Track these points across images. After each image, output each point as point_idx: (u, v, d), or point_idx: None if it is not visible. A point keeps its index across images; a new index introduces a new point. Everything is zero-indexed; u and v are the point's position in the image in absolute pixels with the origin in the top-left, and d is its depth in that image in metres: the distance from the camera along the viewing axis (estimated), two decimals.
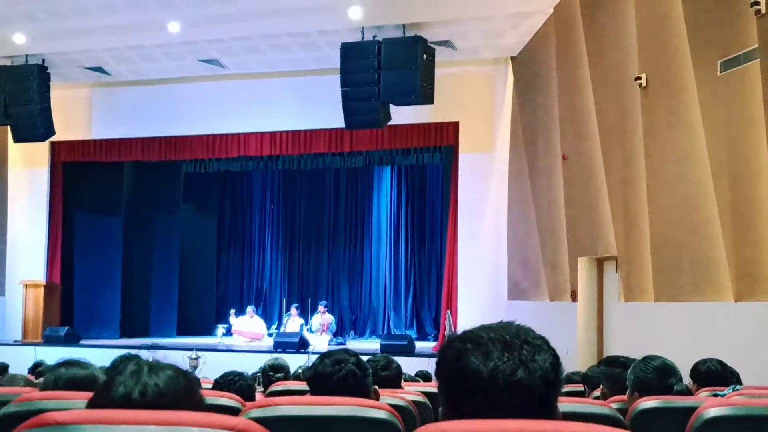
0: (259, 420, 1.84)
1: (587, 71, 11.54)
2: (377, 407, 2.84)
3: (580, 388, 6.40)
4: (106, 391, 1.87)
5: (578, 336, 11.99)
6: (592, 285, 12.12)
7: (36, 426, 1.66)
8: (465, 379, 1.72)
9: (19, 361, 11.64)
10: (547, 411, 1.71)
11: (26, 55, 15.86)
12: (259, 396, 5.11)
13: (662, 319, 9.88)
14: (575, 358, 11.47)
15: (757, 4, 8.22)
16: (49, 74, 16.09)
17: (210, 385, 5.12)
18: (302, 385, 5.05)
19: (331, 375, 3.24)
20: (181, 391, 1.88)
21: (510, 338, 1.74)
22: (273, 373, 6.02)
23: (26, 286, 17.67)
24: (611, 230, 10.93)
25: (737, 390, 4.45)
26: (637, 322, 10.52)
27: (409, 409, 3.64)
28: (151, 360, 1.96)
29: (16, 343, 17.05)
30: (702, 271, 9.13)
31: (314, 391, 3.30)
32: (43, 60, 15.99)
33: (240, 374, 5.06)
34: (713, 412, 3.18)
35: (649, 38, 10.04)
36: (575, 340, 11.92)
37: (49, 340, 16.52)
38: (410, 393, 4.57)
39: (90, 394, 1.97)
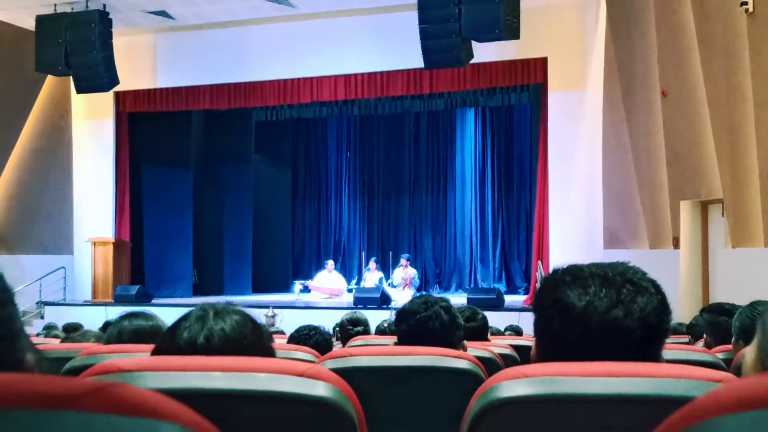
0: (334, 372, 1.86)
1: None
2: (459, 357, 2.84)
3: (685, 339, 6.35)
4: (171, 337, 1.89)
5: (681, 285, 11.83)
6: (695, 230, 11.93)
7: (99, 374, 1.70)
8: (558, 313, 1.72)
9: (91, 322, 11.89)
10: (646, 358, 1.69)
11: (86, 1, 15.99)
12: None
13: None
14: (678, 308, 11.31)
15: None
16: (110, 20, 16.22)
17: (285, 341, 5.19)
18: (383, 340, 5.09)
19: (417, 312, 3.32)
20: (248, 337, 1.89)
21: (612, 275, 1.73)
22: (351, 326, 6.07)
23: (95, 243, 17.99)
24: (716, 171, 10.70)
25: None
26: (746, 270, 10.32)
27: (494, 360, 3.63)
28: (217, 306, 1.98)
29: (86, 304, 17.46)
30: None
31: (398, 326, 3.39)
32: (104, 5, 16.12)
33: (316, 328, 5.12)
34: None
35: None
36: (678, 289, 11.77)
37: (120, 300, 16.73)
38: (497, 345, 4.58)
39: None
